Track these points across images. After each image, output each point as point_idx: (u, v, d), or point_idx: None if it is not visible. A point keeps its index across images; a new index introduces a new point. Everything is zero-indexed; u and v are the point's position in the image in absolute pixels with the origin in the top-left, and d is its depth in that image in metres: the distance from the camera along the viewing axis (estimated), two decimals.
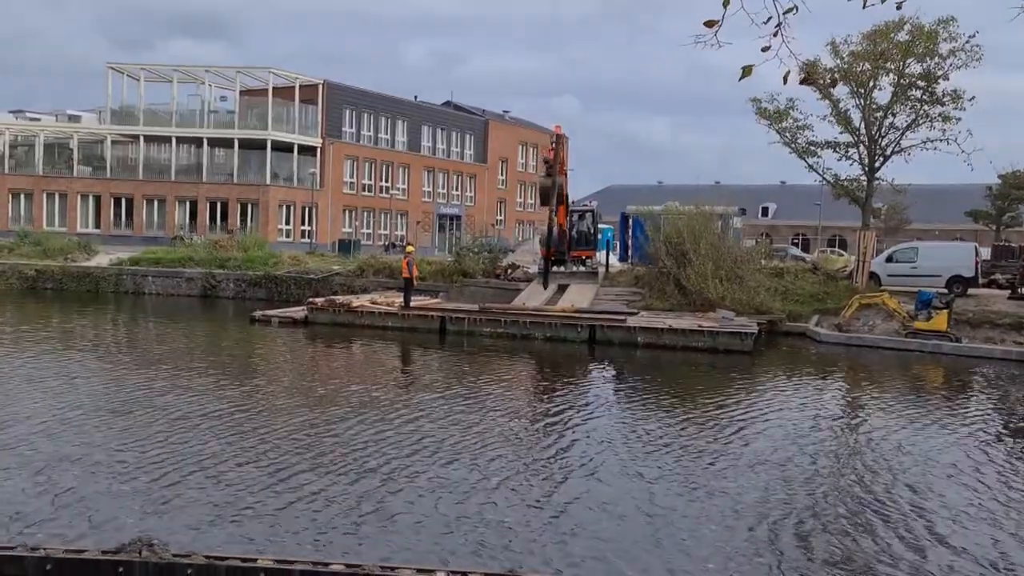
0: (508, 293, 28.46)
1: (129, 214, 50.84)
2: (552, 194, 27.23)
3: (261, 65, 52.49)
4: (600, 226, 33.72)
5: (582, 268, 29.95)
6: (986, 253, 31.18)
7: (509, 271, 31.83)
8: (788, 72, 4.12)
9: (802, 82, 4.57)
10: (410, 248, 27.24)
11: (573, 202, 31.60)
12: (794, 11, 3.96)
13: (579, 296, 26.64)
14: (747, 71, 4.08)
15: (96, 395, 13.86)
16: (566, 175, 27.99)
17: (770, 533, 8.08)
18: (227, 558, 6.40)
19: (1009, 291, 27.47)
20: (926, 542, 7.97)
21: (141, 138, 51.96)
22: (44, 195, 51.10)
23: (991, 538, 8.14)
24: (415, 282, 25.78)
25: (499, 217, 68.69)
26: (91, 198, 51.36)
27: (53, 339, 21.48)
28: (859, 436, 12.67)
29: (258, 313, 25.70)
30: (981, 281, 28.17)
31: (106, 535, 7.18)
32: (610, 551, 7.47)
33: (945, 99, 38.46)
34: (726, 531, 8.08)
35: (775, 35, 4.00)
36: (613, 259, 33.44)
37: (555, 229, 29.09)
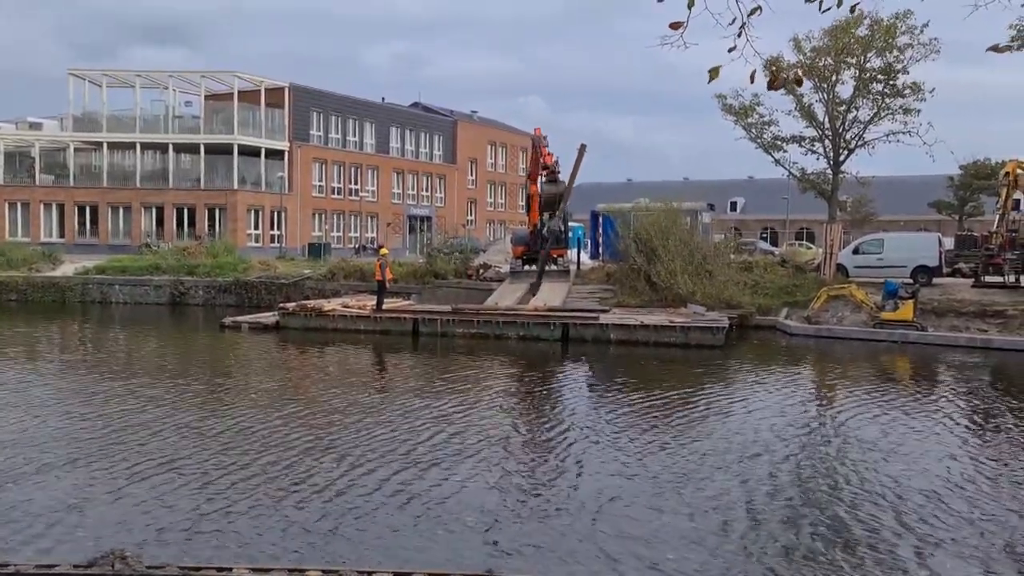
0: (480, 293, 28.46)
1: (94, 222, 50.06)
2: (565, 199, 27.10)
3: (225, 69, 51.95)
4: (571, 224, 33.81)
5: (554, 267, 30.01)
6: (949, 243, 31.70)
7: (481, 271, 31.83)
8: (754, 72, 4.17)
9: (770, 87, 4.62)
10: (383, 251, 27.16)
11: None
12: (758, 12, 4.01)
13: (551, 295, 26.71)
14: (714, 73, 4.13)
15: (44, 404, 13.66)
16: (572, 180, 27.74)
17: (738, 522, 8.17)
18: (202, 568, 6.36)
19: (972, 279, 27.99)
20: (891, 524, 8.11)
21: (105, 145, 51.18)
22: (6, 204, 50.16)
23: (961, 517, 8.30)
24: (388, 285, 25.70)
25: (470, 217, 68.63)
26: (54, 207, 50.52)
27: (15, 350, 21.10)
28: (827, 424, 12.83)
29: (228, 319, 25.46)
30: (945, 270, 28.65)
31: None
32: (585, 547, 7.51)
33: (905, 91, 39.21)
34: (694, 522, 8.15)
35: (739, 35, 4.05)
36: (584, 257, 33.53)
37: (530, 229, 29.14)
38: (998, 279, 27.07)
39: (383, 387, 16.31)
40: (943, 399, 15.20)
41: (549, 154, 28.40)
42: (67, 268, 36.68)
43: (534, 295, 26.41)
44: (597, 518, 8.33)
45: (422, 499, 8.80)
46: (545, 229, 29.97)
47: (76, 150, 52.43)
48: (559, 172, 28.27)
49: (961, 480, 9.78)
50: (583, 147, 26.79)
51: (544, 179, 28.67)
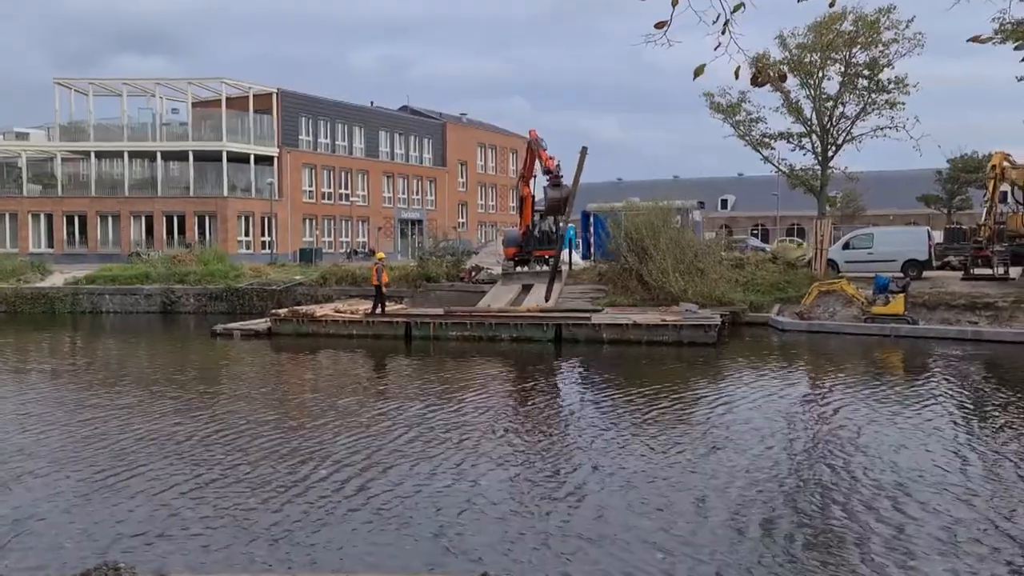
0: (473, 296, 28.45)
1: (83, 232, 49.84)
2: (569, 204, 26.65)
3: (212, 75, 51.79)
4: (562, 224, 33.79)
5: (546, 267, 30.00)
6: (939, 236, 31.88)
7: (473, 273, 31.83)
8: (738, 68, 4.18)
9: (753, 83, 4.64)
10: (380, 255, 27.20)
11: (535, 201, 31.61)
12: (742, 9, 4.02)
13: (543, 295, 26.68)
14: (699, 71, 4.14)
15: (21, 414, 13.59)
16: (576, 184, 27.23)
17: (741, 521, 8.17)
18: None
19: (962, 272, 28.14)
20: (890, 516, 8.13)
21: (92, 154, 50.98)
22: None
23: (960, 508, 8.33)
24: (384, 289, 25.62)
25: (461, 220, 68.60)
26: (43, 217, 50.29)
27: (4, 361, 20.98)
28: (822, 420, 12.86)
29: (219, 327, 25.36)
30: (935, 264, 28.81)
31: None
32: (586, 548, 7.50)
33: (891, 86, 39.36)
34: (693, 521, 8.16)
35: (723, 33, 4.06)
36: (576, 257, 33.55)
37: (522, 230, 29.04)
38: (987, 271, 27.24)
39: (368, 391, 16.25)
40: (933, 392, 15.22)
41: (551, 158, 27.97)
42: (56, 279, 36.49)
43: (547, 299, 26.02)
44: (561, 518, 8.32)
45: (381, 501, 8.80)
46: (536, 230, 29.97)
47: (64, 160, 52.20)
48: (562, 176, 27.92)
49: (941, 472, 9.82)
50: (584, 150, 26.57)
51: (547, 183, 28.16)
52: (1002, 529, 7.92)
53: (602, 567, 7.09)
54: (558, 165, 27.98)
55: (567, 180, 27.63)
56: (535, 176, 30.27)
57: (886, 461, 10.29)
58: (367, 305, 25.80)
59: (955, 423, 12.58)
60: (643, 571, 6.99)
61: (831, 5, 4.25)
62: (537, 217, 30.47)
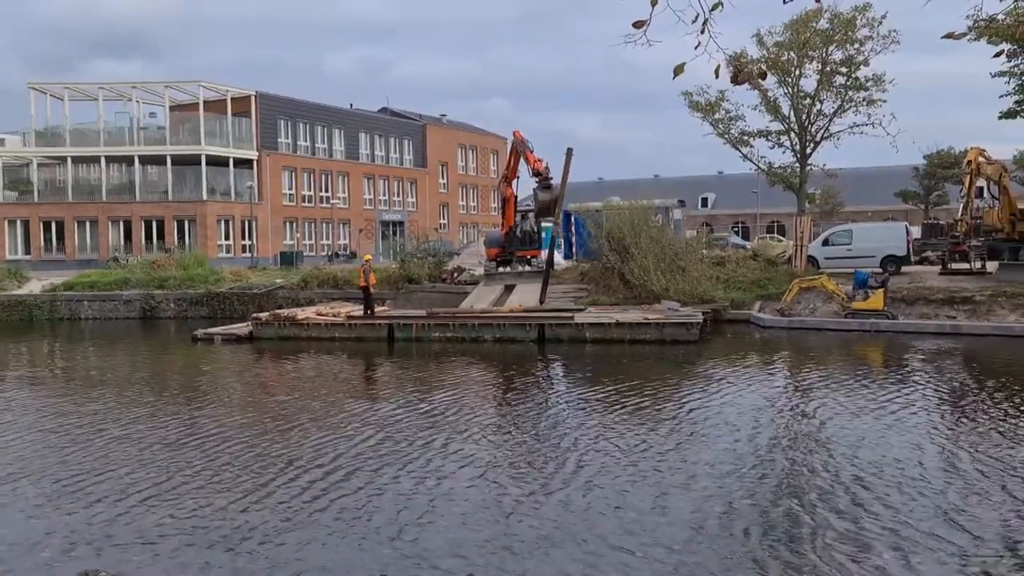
0: (456, 297, 28.40)
1: (60, 238, 49.32)
2: (559, 204, 26.39)
3: (190, 79, 51.44)
4: (543, 225, 33.73)
5: (528, 268, 30.00)
6: (917, 232, 32.21)
7: (455, 274, 31.78)
8: (718, 66, 4.20)
9: (733, 81, 4.67)
10: (367, 257, 27.17)
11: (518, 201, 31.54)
12: (720, 7, 4.04)
13: (527, 295, 26.71)
14: (679, 70, 4.15)
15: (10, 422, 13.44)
16: (563, 185, 26.89)
17: (700, 517, 8.20)
18: None
19: (940, 267, 28.44)
20: (845, 509, 8.20)
21: (68, 159, 50.43)
22: None
23: (935, 504, 8.41)
24: (372, 290, 25.55)
25: (442, 221, 68.49)
26: (19, 223, 49.69)
27: None
28: (792, 415, 12.94)
29: (200, 332, 25.15)
30: (913, 259, 29.10)
31: None
32: (563, 550, 7.51)
33: (868, 84, 39.78)
34: (672, 523, 8.18)
35: (702, 32, 4.08)
36: (558, 257, 33.55)
37: (504, 231, 28.95)
38: (964, 266, 27.56)
39: (346, 394, 16.14)
40: (906, 386, 15.34)
41: (538, 160, 27.85)
42: (34, 285, 36.08)
43: (541, 300, 25.86)
44: (522, 518, 8.32)
45: (345, 504, 8.77)
46: (518, 231, 29.92)
47: (40, 165, 51.62)
48: (551, 178, 27.77)
49: (899, 465, 9.90)
50: (570, 151, 26.46)
51: (537, 185, 27.94)
52: (953, 520, 8.01)
53: (562, 567, 7.10)
54: (547, 167, 27.82)
55: (555, 181, 27.54)
56: (518, 177, 30.23)
57: (847, 455, 10.39)
58: (349, 308, 25.70)
59: (920, 416, 12.69)
60: (601, 571, 7.00)
61: (817, 0, 4.28)
62: (519, 217, 30.43)
